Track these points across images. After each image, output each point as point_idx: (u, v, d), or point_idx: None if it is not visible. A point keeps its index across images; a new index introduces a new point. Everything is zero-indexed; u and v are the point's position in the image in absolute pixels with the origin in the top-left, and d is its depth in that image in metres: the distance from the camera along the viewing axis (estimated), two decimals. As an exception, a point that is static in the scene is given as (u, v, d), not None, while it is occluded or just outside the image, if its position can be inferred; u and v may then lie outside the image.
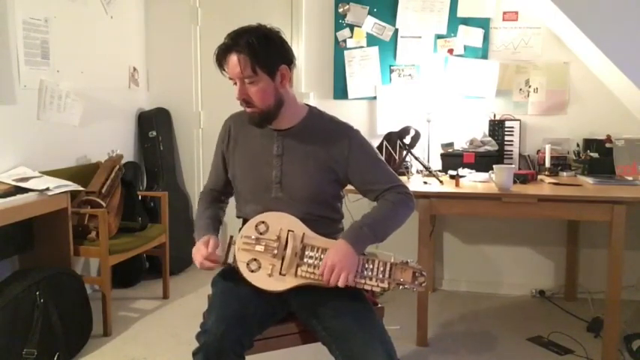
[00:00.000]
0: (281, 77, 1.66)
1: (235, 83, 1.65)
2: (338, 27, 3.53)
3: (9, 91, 2.72)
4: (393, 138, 3.02)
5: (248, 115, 1.70)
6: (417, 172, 3.16)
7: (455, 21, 3.37)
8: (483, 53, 3.35)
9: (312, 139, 1.74)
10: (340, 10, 3.51)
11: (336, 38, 3.55)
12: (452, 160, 3.16)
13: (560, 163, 3.14)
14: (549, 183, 2.83)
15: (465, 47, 3.37)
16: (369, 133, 3.41)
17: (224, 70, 1.66)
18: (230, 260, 1.69)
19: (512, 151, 3.27)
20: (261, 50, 1.60)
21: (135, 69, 3.78)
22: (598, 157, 3.05)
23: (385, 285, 1.60)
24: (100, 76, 3.41)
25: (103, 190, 2.93)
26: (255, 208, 1.74)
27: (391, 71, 3.49)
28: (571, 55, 3.25)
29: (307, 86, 3.66)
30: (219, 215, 1.92)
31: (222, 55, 1.64)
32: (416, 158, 3.05)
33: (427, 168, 3.06)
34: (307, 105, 1.82)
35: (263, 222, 1.67)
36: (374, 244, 1.69)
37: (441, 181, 2.82)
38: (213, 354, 1.50)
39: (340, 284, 1.56)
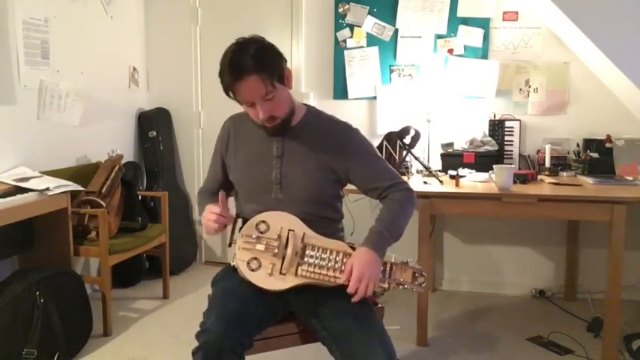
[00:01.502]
0: (287, 79, 1.66)
1: (251, 105, 1.62)
2: (338, 27, 3.53)
3: (9, 91, 2.72)
4: (393, 138, 3.02)
5: (269, 128, 1.68)
6: (417, 172, 3.17)
7: (455, 21, 3.37)
8: (483, 53, 3.35)
9: (312, 140, 1.74)
10: (340, 10, 3.51)
11: (336, 38, 3.55)
12: (452, 160, 3.16)
13: (560, 163, 3.14)
14: (549, 183, 2.83)
15: (465, 47, 3.37)
16: (369, 133, 3.41)
17: (236, 96, 1.61)
18: (231, 262, 1.69)
19: (512, 151, 3.27)
20: (269, 62, 1.60)
21: (135, 69, 3.78)
22: (598, 157, 3.05)
23: (385, 285, 1.61)
24: (100, 76, 3.41)
25: (103, 190, 2.93)
26: (256, 209, 1.73)
27: (391, 71, 3.49)
28: (571, 55, 3.25)
29: (307, 86, 3.66)
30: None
31: (234, 83, 1.58)
32: (416, 158, 3.05)
33: (427, 168, 3.06)
34: (305, 105, 1.82)
35: (264, 221, 1.67)
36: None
37: (441, 181, 2.82)
38: (212, 353, 1.50)
39: (368, 294, 1.57)
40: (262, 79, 1.56)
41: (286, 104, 1.67)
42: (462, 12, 3.35)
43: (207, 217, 1.71)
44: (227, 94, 1.63)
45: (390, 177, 1.77)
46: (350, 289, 1.56)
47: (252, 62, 1.56)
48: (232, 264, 1.70)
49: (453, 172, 2.91)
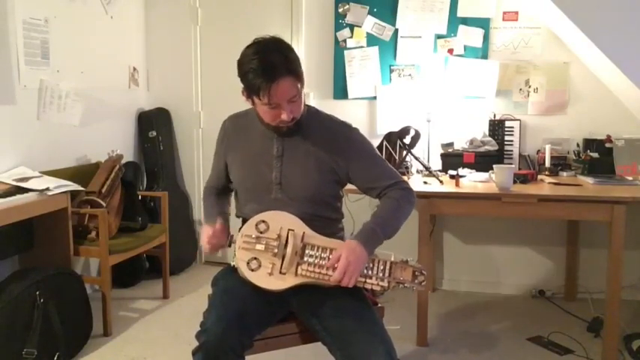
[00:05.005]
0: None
1: (274, 107, 1.61)
2: (338, 27, 3.53)
3: (9, 91, 2.72)
4: (393, 138, 3.02)
5: (284, 128, 1.68)
6: (417, 172, 3.16)
7: (455, 21, 3.37)
8: (483, 53, 3.35)
9: (312, 140, 1.74)
10: (340, 10, 3.51)
11: (336, 38, 3.55)
12: (452, 160, 3.16)
13: (560, 163, 3.14)
14: (549, 183, 2.83)
15: (465, 47, 3.37)
16: (369, 133, 3.40)
17: (268, 98, 1.57)
18: (232, 261, 1.69)
19: (512, 151, 3.27)
20: (299, 64, 1.61)
21: (135, 69, 3.78)
22: (598, 157, 3.05)
23: (385, 284, 1.60)
24: (100, 76, 3.41)
25: (103, 190, 2.93)
26: (255, 209, 1.74)
27: (391, 71, 3.49)
28: (571, 55, 3.25)
29: (307, 86, 3.56)
30: (225, 205, 1.95)
31: (269, 85, 1.54)
32: (416, 158, 3.05)
33: (427, 168, 3.06)
34: (305, 105, 1.82)
35: (263, 221, 1.67)
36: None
37: (441, 181, 2.82)
38: (212, 353, 1.50)
39: (350, 286, 1.57)
40: (296, 80, 1.59)
41: (302, 105, 1.68)
42: (462, 12, 3.35)
43: (202, 238, 1.76)
44: (254, 95, 1.59)
45: (389, 176, 1.77)
46: (334, 278, 1.56)
47: (286, 64, 1.56)
48: (232, 264, 1.70)
49: (453, 172, 2.91)
